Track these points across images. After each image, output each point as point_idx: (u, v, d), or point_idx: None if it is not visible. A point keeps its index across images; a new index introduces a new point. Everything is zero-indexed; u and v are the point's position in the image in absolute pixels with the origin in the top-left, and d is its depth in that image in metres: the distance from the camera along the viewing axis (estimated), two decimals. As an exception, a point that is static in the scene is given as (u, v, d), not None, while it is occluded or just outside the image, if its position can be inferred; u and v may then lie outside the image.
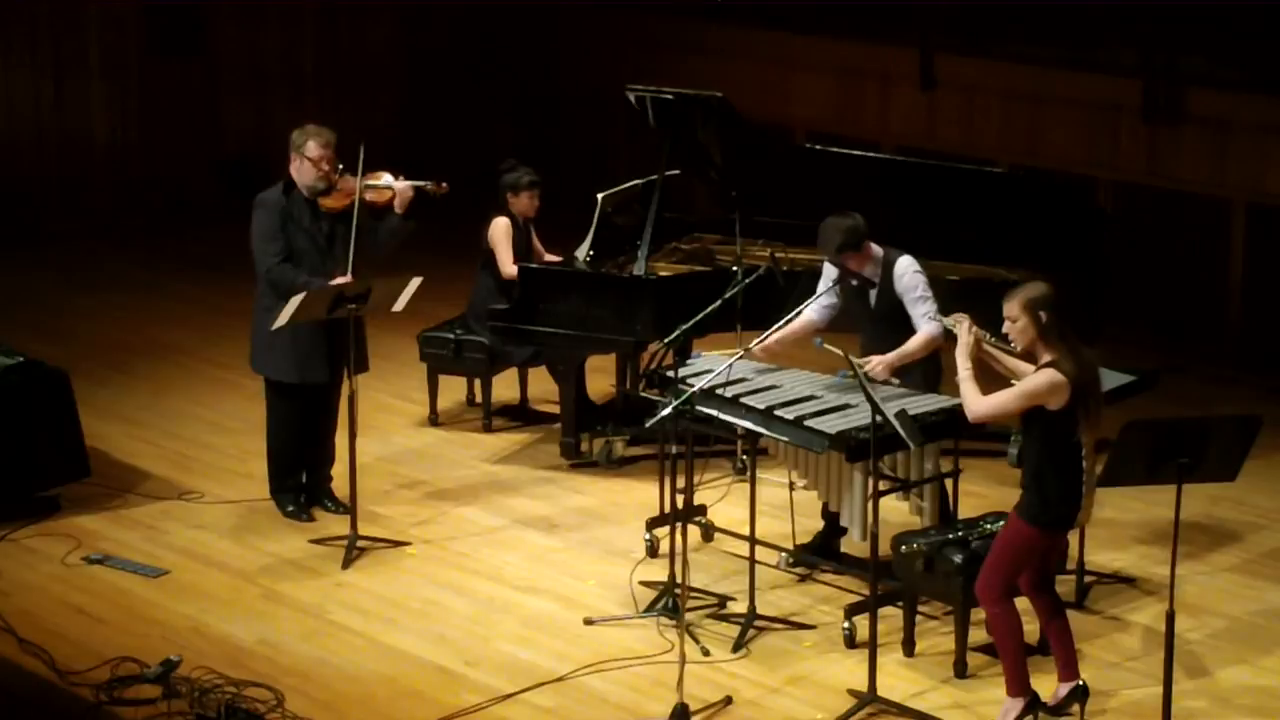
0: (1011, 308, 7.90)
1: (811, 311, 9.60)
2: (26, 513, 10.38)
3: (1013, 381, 8.16)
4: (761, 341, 9.21)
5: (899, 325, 9.44)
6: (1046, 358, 7.87)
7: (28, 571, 9.86)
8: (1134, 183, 13.44)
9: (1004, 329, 7.98)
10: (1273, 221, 12.86)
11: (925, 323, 9.42)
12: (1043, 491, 7.95)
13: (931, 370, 9.59)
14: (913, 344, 9.42)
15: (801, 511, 9.76)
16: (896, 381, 9.37)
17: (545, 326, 10.96)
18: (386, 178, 10.33)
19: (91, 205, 15.93)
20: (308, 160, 10.10)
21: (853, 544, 9.45)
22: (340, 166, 10.20)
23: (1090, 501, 8.06)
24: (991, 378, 8.28)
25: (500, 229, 11.36)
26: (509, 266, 11.26)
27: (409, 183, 10.27)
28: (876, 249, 9.50)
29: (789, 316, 9.45)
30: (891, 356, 9.38)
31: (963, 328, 8.13)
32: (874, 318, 9.53)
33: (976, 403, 7.98)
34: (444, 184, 10.38)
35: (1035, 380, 7.86)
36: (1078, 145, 13.66)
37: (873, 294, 9.50)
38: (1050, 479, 7.93)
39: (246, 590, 9.69)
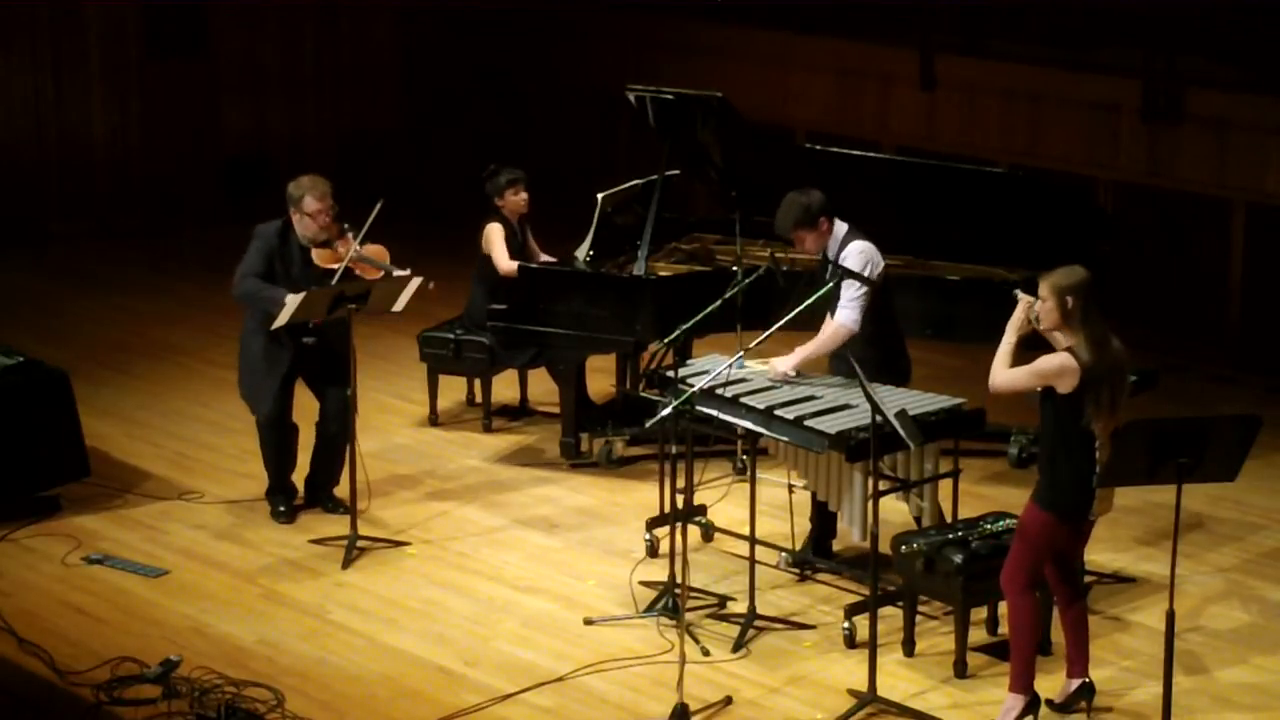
0: (1042, 288, 8.02)
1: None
2: (26, 513, 10.38)
3: None
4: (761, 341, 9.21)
5: None
6: (1066, 342, 7.96)
7: (28, 571, 9.87)
8: (1134, 183, 13.44)
9: (1035, 307, 8.05)
10: (1273, 221, 12.86)
11: (842, 309, 9.34)
12: (1054, 476, 8.00)
13: (899, 371, 9.54)
14: (815, 342, 9.39)
15: (801, 512, 9.76)
16: (794, 374, 9.38)
17: (545, 326, 10.97)
18: (385, 258, 10.27)
19: (91, 205, 15.93)
20: (307, 215, 10.11)
21: (851, 543, 9.46)
22: (346, 226, 10.20)
23: (1109, 492, 8.09)
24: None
25: (493, 231, 11.35)
26: (506, 263, 11.24)
27: (406, 273, 10.20)
28: (839, 227, 9.48)
29: (789, 317, 9.47)
30: (792, 358, 9.37)
31: (1022, 303, 8.18)
32: (829, 295, 9.45)
33: (998, 372, 8.08)
34: (432, 284, 10.33)
35: (1048, 361, 7.95)
36: (1078, 145, 13.65)
37: (828, 270, 9.48)
38: (1061, 464, 7.98)
39: (246, 590, 9.69)
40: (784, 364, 9.43)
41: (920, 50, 14.33)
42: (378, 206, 10.08)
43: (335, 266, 10.11)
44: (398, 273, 10.21)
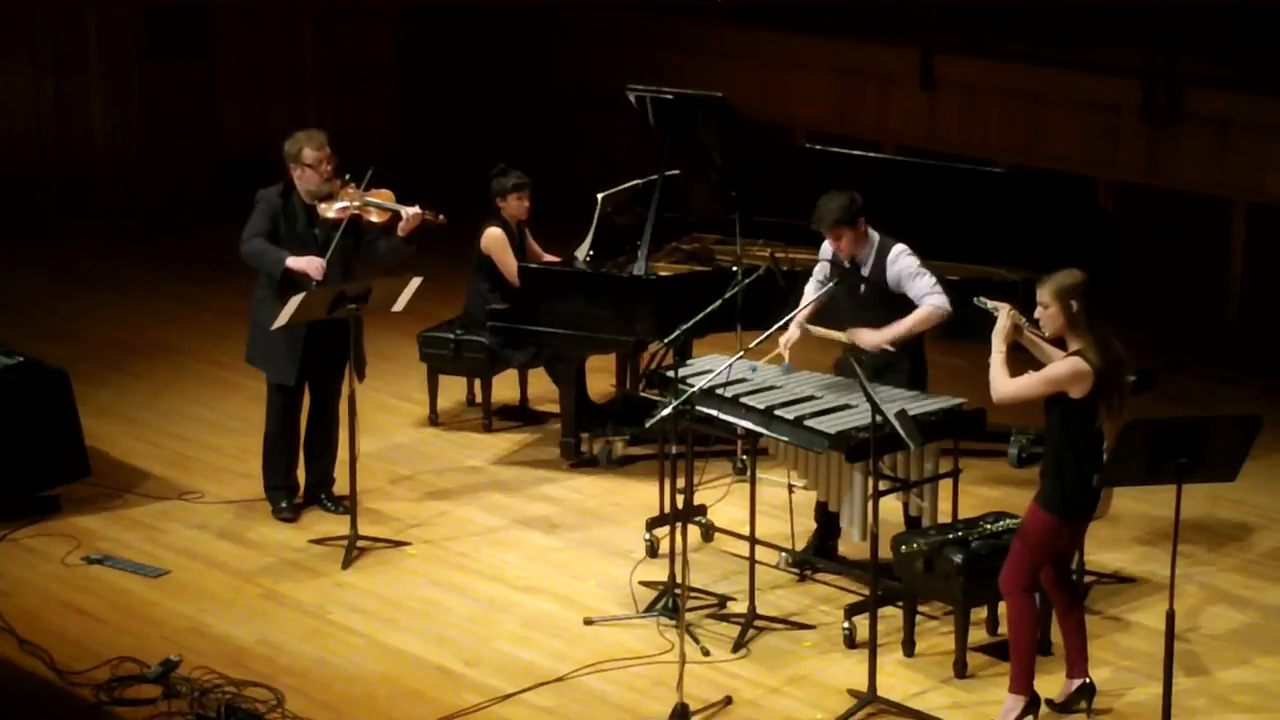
0: (1043, 294, 7.96)
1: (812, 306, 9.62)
2: (26, 513, 10.38)
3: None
4: (761, 341, 9.20)
5: (887, 313, 9.43)
6: (1074, 346, 7.92)
7: (28, 571, 9.87)
8: (1134, 183, 13.44)
9: (1035, 314, 8.02)
10: (1273, 221, 12.86)
11: (928, 298, 9.44)
12: (1061, 479, 7.97)
13: (918, 369, 9.58)
14: (911, 319, 9.43)
15: (801, 512, 9.75)
16: (893, 349, 9.39)
17: (545, 326, 10.97)
18: (390, 200, 10.27)
19: (91, 205, 15.93)
20: (307, 168, 10.09)
21: (852, 544, 9.46)
22: (347, 176, 10.19)
23: (1109, 494, 8.07)
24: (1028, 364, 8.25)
25: (497, 240, 11.33)
26: (516, 276, 11.23)
27: (415, 209, 10.22)
28: (873, 233, 9.50)
29: (785, 319, 9.46)
30: (888, 331, 9.38)
31: (1003, 311, 8.16)
32: (862, 304, 9.49)
33: (1002, 384, 8.01)
34: (441, 216, 10.33)
35: (1059, 367, 7.90)
36: (1078, 145, 13.66)
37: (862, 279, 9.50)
38: (1069, 468, 7.95)
39: (246, 590, 9.69)
40: (875, 336, 9.40)
41: (920, 50, 14.34)
42: (369, 172, 10.07)
43: (343, 217, 10.08)
44: (406, 210, 10.16)
